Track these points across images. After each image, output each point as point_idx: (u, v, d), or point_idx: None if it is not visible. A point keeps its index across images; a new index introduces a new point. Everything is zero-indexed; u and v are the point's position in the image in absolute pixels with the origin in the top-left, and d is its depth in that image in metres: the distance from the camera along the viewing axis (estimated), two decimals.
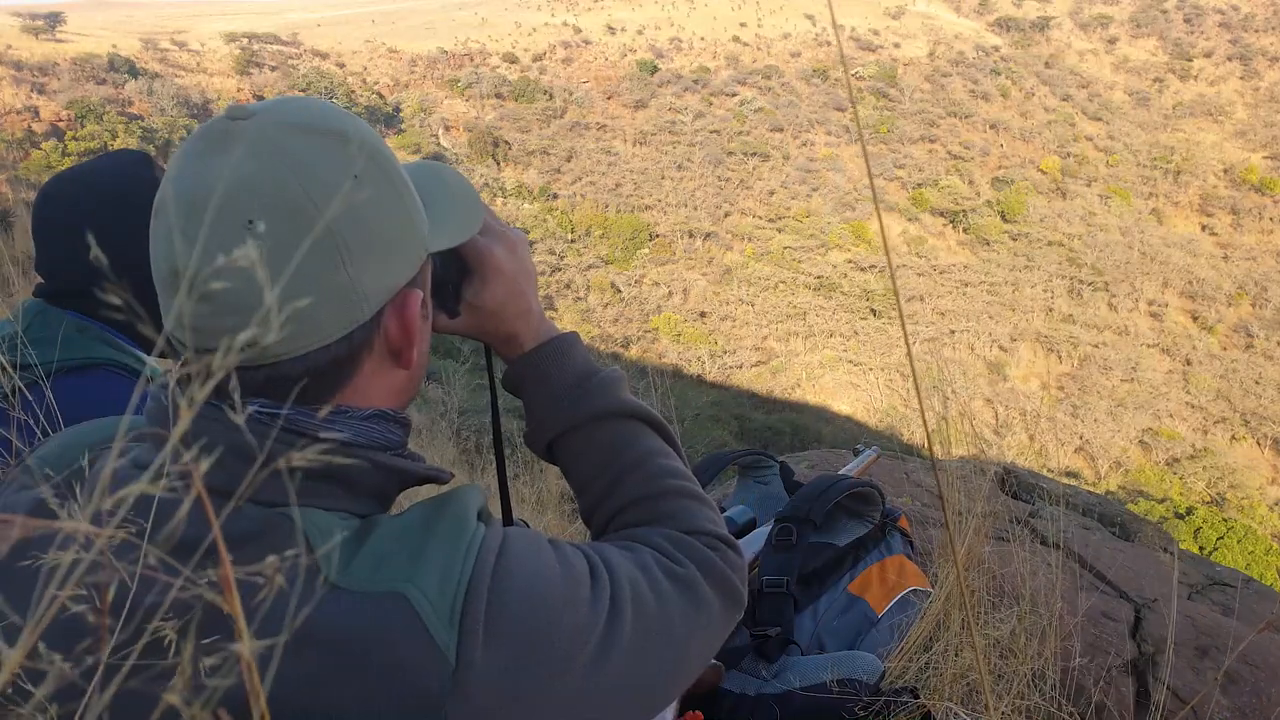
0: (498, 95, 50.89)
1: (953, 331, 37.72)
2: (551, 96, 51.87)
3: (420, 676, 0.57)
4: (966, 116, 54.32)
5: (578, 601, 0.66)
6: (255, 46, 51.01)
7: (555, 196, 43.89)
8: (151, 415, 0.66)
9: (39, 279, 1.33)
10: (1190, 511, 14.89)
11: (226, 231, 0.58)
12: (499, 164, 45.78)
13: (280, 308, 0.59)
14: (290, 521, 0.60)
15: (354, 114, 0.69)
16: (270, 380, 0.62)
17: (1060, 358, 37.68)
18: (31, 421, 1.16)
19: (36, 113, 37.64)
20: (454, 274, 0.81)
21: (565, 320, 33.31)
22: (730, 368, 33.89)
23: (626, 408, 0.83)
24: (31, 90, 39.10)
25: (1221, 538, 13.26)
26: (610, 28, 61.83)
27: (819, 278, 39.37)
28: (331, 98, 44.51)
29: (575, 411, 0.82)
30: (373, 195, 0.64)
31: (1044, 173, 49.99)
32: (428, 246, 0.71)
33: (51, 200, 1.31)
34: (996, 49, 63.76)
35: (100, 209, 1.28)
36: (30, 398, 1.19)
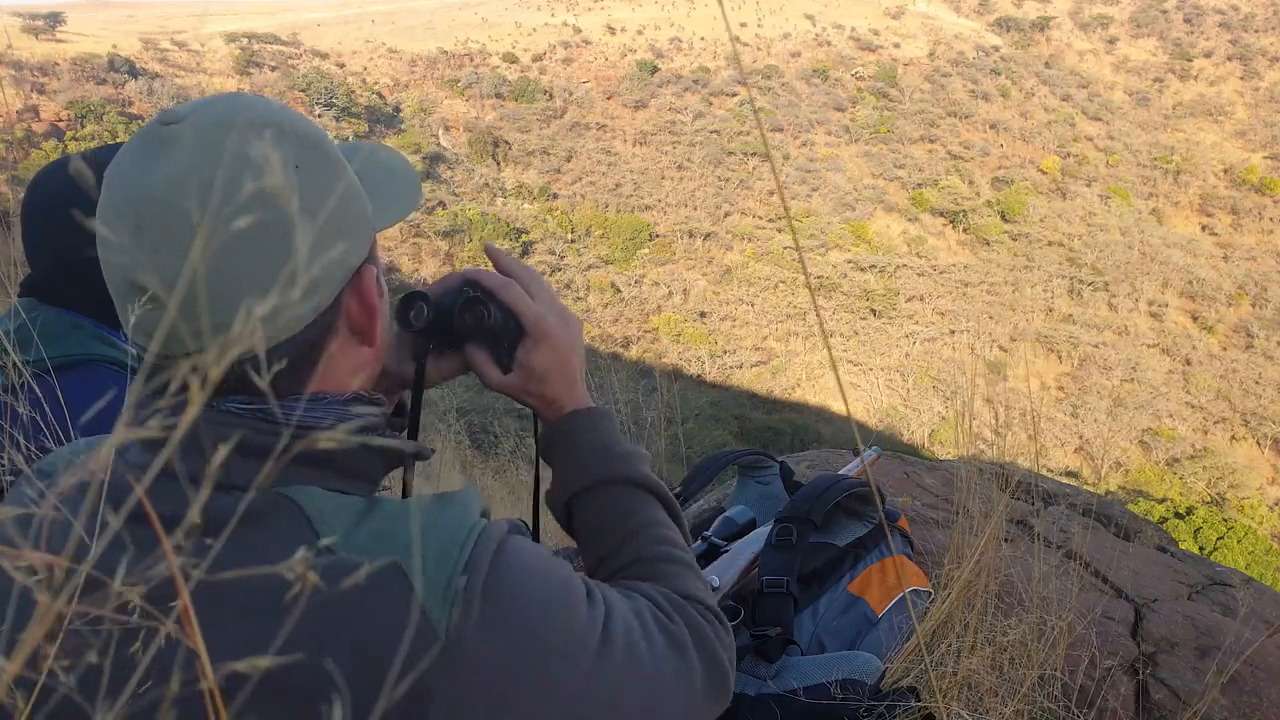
0: (498, 95, 50.87)
1: (953, 332, 37.71)
2: (551, 96, 51.86)
3: (405, 650, 0.58)
4: (966, 116, 54.30)
5: (575, 607, 0.67)
6: (255, 46, 50.99)
7: (555, 196, 43.88)
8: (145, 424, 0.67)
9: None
10: (1190, 511, 14.88)
11: (176, 237, 0.59)
12: (499, 164, 45.76)
13: (235, 305, 0.61)
14: (289, 501, 0.62)
15: (286, 105, 0.70)
16: (242, 377, 0.63)
17: (1060, 358, 37.67)
18: (38, 417, 1.16)
19: (37, 113, 37.64)
20: (512, 334, 0.87)
21: None
22: (730, 368, 33.88)
23: (643, 480, 0.88)
24: (31, 90, 39.09)
25: (1221, 538, 13.25)
26: (610, 28, 61.82)
27: (819, 278, 39.35)
28: (331, 98, 44.51)
29: (597, 473, 0.86)
30: (316, 183, 0.65)
31: (1044, 173, 49.98)
32: (374, 225, 0.73)
33: (39, 191, 1.29)
34: (996, 49, 63.74)
35: (87, 202, 1.26)
36: (39, 392, 1.19)
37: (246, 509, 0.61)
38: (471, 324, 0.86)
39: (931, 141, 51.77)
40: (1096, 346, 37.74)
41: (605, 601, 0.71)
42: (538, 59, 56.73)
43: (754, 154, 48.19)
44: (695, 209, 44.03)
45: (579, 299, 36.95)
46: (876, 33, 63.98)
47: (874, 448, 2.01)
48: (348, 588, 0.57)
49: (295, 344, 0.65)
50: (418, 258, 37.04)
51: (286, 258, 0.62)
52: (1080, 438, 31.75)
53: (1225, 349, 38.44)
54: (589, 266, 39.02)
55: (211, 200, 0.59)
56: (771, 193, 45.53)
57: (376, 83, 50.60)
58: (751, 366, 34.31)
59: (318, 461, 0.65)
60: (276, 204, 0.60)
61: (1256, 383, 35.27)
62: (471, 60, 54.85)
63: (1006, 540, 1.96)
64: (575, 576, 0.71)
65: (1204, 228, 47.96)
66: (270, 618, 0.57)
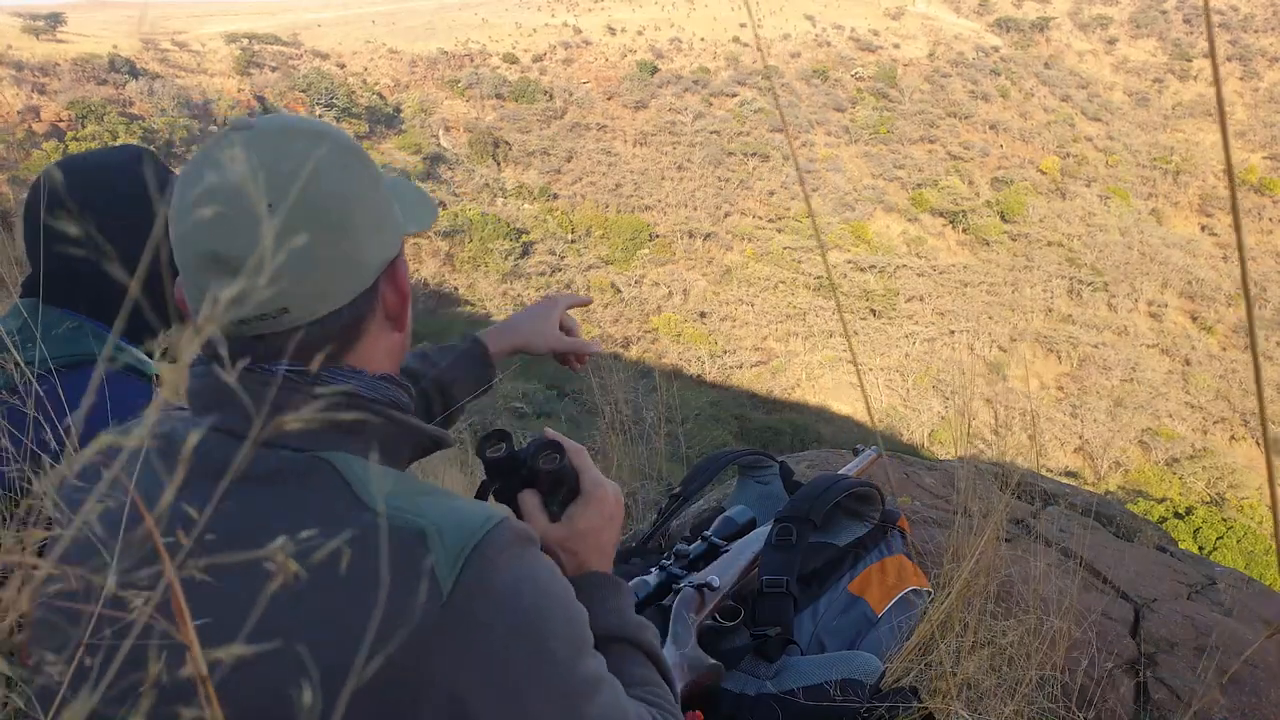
0: (498, 96, 50.83)
1: (952, 332, 37.70)
2: (551, 97, 51.82)
3: (414, 600, 0.64)
4: (966, 117, 54.25)
5: (580, 639, 0.73)
6: (255, 47, 50.93)
7: (555, 197, 43.85)
8: (195, 392, 0.76)
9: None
10: (1190, 511, 14.87)
11: (251, 215, 0.70)
12: (499, 164, 45.73)
13: (300, 276, 0.72)
14: (327, 464, 0.71)
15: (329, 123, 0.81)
16: (297, 346, 0.73)
17: (1060, 358, 37.65)
18: (39, 417, 1.16)
19: (37, 113, 37.61)
20: (570, 490, 0.98)
21: None
22: (730, 368, 33.85)
23: (651, 649, 0.94)
24: (32, 90, 39.07)
25: (1221, 538, 13.24)
26: (610, 28, 61.79)
27: (819, 278, 39.33)
28: (332, 99, 44.46)
29: (609, 629, 0.92)
30: (360, 182, 0.76)
31: (1043, 173, 49.95)
32: (404, 229, 0.83)
33: (42, 190, 1.29)
34: (996, 49, 63.70)
35: (91, 201, 1.26)
36: (40, 392, 1.19)
37: (288, 467, 0.70)
38: (542, 465, 0.97)
39: (931, 142, 51.74)
40: (1096, 346, 37.70)
41: (614, 684, 0.75)
42: (538, 59, 56.69)
43: (754, 154, 48.17)
44: (695, 209, 43.99)
45: None
46: (876, 33, 63.94)
47: (873, 447, 2.01)
48: (375, 541, 0.66)
49: (339, 319, 0.75)
50: (418, 258, 37.03)
51: (331, 238, 0.73)
52: (1080, 438, 31.73)
53: (1225, 349, 38.42)
54: (589, 266, 39.00)
55: (273, 188, 0.70)
56: (773, 193, 45.52)
57: (377, 83, 50.56)
58: (751, 366, 34.29)
59: (354, 432, 0.74)
60: (331, 196, 0.73)
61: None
62: (472, 61, 54.82)
63: (1006, 540, 1.96)
64: (590, 630, 0.75)
65: (1203, 228, 47.92)
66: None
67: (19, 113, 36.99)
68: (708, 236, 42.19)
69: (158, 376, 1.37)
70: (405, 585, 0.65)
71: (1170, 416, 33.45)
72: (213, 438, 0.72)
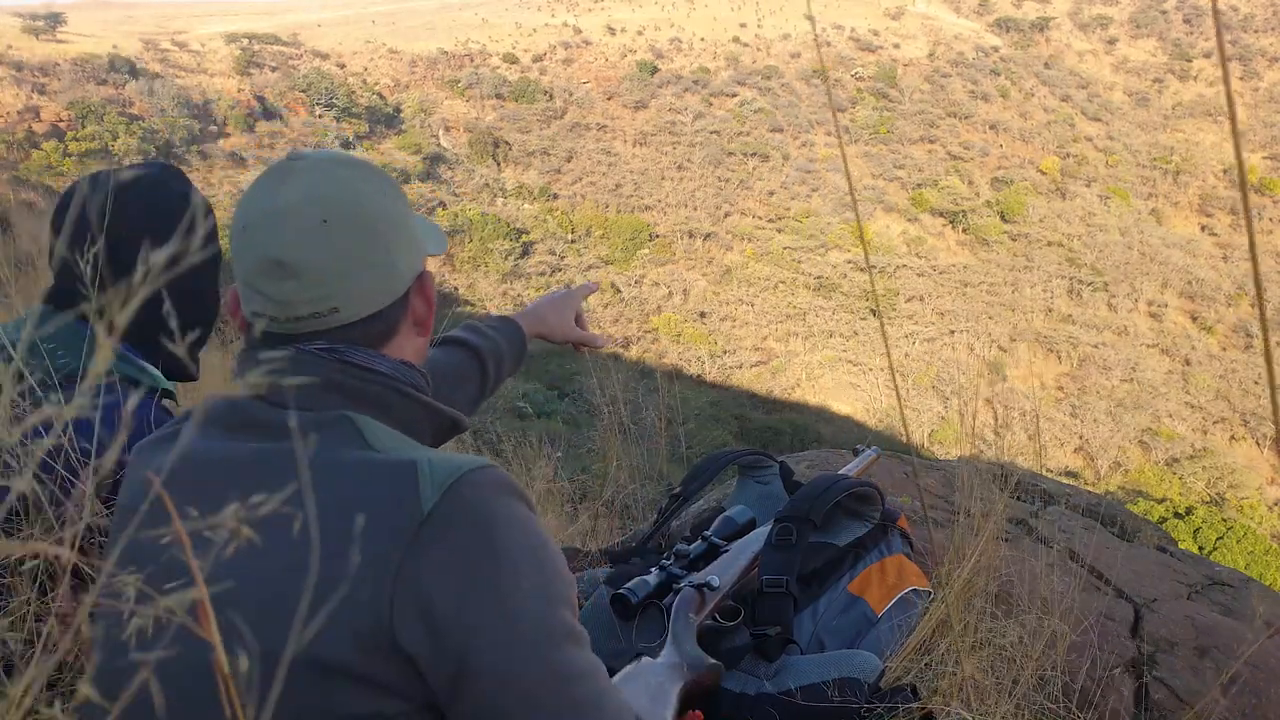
0: (498, 96, 50.81)
1: (952, 332, 37.68)
2: (551, 97, 51.80)
3: (396, 514, 0.74)
4: (966, 117, 54.24)
5: (558, 592, 0.78)
6: (255, 47, 50.90)
7: (555, 197, 43.83)
8: (242, 374, 0.90)
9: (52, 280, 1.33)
10: (1190, 511, 14.87)
11: (310, 229, 0.83)
12: (499, 164, 45.71)
13: (349, 280, 0.85)
14: (349, 420, 0.83)
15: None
16: (339, 340, 0.86)
17: (1060, 358, 37.63)
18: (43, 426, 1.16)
19: (37, 113, 37.59)
20: None
21: None
22: (730, 368, 33.84)
23: None
24: (32, 91, 39.05)
25: (1221, 538, 13.24)
26: (610, 28, 61.77)
27: (819, 278, 39.32)
28: (332, 99, 44.44)
29: None
30: (395, 206, 0.90)
31: (1043, 173, 49.94)
32: (426, 250, 0.97)
33: (71, 204, 1.30)
34: (996, 49, 63.69)
35: (126, 216, 1.27)
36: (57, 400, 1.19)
37: (318, 421, 0.82)
38: None
39: (931, 142, 51.72)
40: (1096, 347, 37.69)
41: (599, 664, 0.80)
42: (538, 59, 56.67)
43: (754, 154, 48.15)
44: (695, 209, 43.98)
45: None
46: (876, 33, 63.93)
47: (873, 447, 2.01)
48: (372, 467, 0.77)
49: (377, 320, 0.88)
50: None
51: (375, 250, 0.86)
52: (1080, 438, 31.72)
53: (1224, 349, 38.40)
54: (589, 266, 38.98)
55: (327, 206, 0.84)
56: (773, 193, 45.52)
57: (377, 83, 50.54)
58: (751, 366, 34.28)
59: (379, 406, 0.86)
60: (373, 216, 0.87)
61: (1256, 383, 35.21)
62: (472, 61, 54.80)
63: (1006, 540, 1.96)
64: (573, 598, 0.80)
65: (1203, 228, 47.90)
66: (324, 484, 0.76)
67: (19, 113, 36.97)
68: (708, 236, 42.18)
69: (169, 391, 1.38)
70: (392, 505, 0.74)
71: (1170, 416, 33.44)
72: (258, 405, 0.84)
